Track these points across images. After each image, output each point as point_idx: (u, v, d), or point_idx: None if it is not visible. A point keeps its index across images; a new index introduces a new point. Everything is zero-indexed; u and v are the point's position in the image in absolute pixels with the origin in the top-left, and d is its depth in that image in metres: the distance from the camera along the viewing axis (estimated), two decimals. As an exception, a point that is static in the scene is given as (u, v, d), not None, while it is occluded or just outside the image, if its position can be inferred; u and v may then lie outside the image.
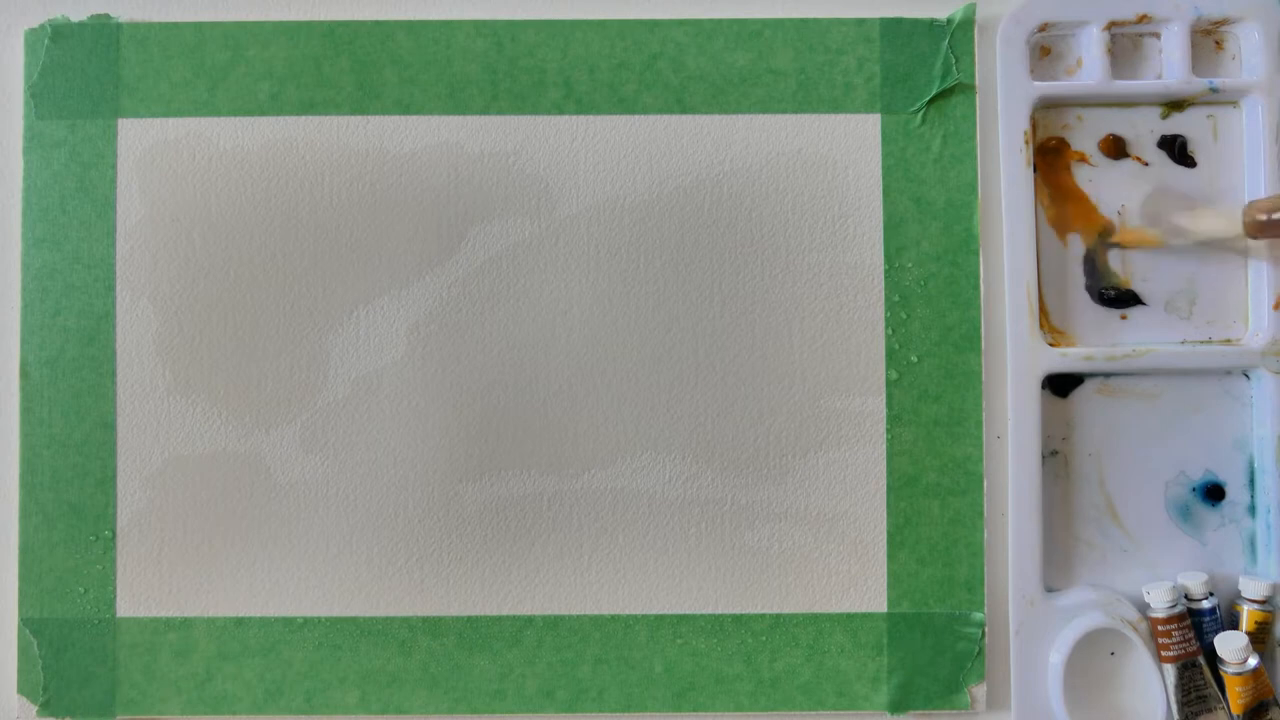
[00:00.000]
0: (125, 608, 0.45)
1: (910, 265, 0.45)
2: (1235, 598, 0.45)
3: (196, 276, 0.46)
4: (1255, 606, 0.44)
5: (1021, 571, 0.44)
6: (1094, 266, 0.45)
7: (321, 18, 0.46)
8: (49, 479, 0.45)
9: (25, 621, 0.45)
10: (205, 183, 0.46)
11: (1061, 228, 0.46)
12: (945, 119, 0.46)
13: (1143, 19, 0.45)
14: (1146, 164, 0.46)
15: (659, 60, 0.46)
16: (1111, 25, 0.45)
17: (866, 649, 0.45)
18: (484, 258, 0.46)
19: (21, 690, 0.45)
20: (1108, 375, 0.45)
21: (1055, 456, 0.45)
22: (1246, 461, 0.45)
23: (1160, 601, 0.43)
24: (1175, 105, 0.46)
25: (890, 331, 0.45)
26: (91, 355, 0.45)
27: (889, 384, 0.45)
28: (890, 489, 0.45)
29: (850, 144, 0.46)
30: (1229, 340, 0.46)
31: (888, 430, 0.45)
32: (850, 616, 0.45)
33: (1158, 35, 0.46)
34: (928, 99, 0.46)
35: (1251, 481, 0.45)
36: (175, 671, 0.45)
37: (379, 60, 0.46)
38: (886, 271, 0.46)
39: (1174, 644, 0.43)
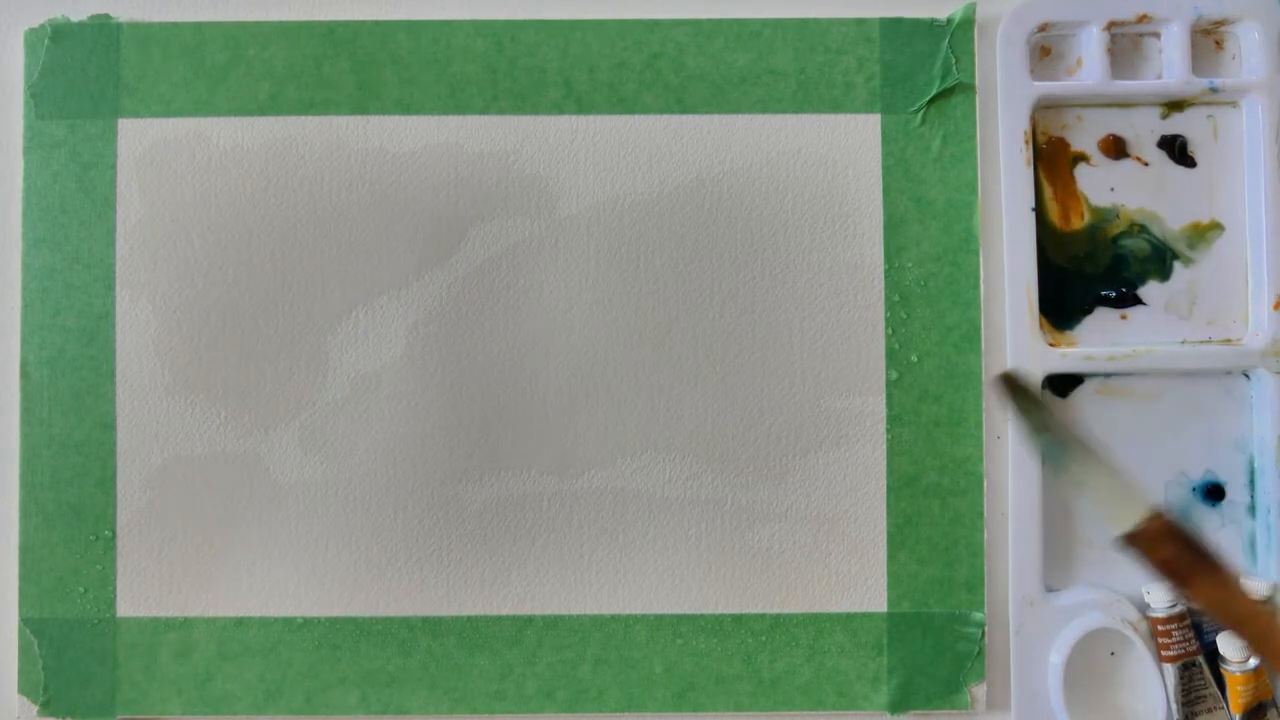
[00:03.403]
0: (125, 608, 0.45)
1: (910, 265, 0.45)
2: (1235, 598, 0.45)
3: (196, 276, 0.46)
4: (1255, 606, 0.44)
5: (1021, 571, 0.44)
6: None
7: (321, 18, 0.46)
8: (49, 479, 0.45)
9: (25, 621, 0.45)
10: (205, 183, 0.46)
11: (1062, 228, 0.46)
12: (945, 119, 0.46)
13: (1143, 19, 0.45)
14: (1146, 164, 0.46)
15: (659, 60, 0.46)
16: (1111, 25, 0.45)
17: (866, 649, 0.45)
18: (484, 258, 0.46)
19: (22, 690, 0.45)
20: (1108, 375, 0.45)
21: (1055, 456, 0.45)
22: (1246, 462, 0.45)
23: (1160, 601, 0.43)
24: (1175, 105, 0.46)
25: (890, 331, 0.45)
26: (91, 355, 0.45)
27: (889, 384, 0.45)
28: (890, 489, 0.45)
29: (850, 144, 0.46)
30: (1229, 340, 0.46)
31: (888, 430, 0.45)
32: (850, 616, 0.45)
33: (1158, 35, 0.46)
34: (928, 99, 0.46)
35: (1251, 482, 0.45)
36: (175, 671, 0.45)
37: (379, 60, 0.46)
38: (886, 271, 0.46)
39: (1174, 644, 0.43)
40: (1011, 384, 0.33)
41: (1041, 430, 0.32)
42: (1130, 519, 0.31)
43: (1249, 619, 0.29)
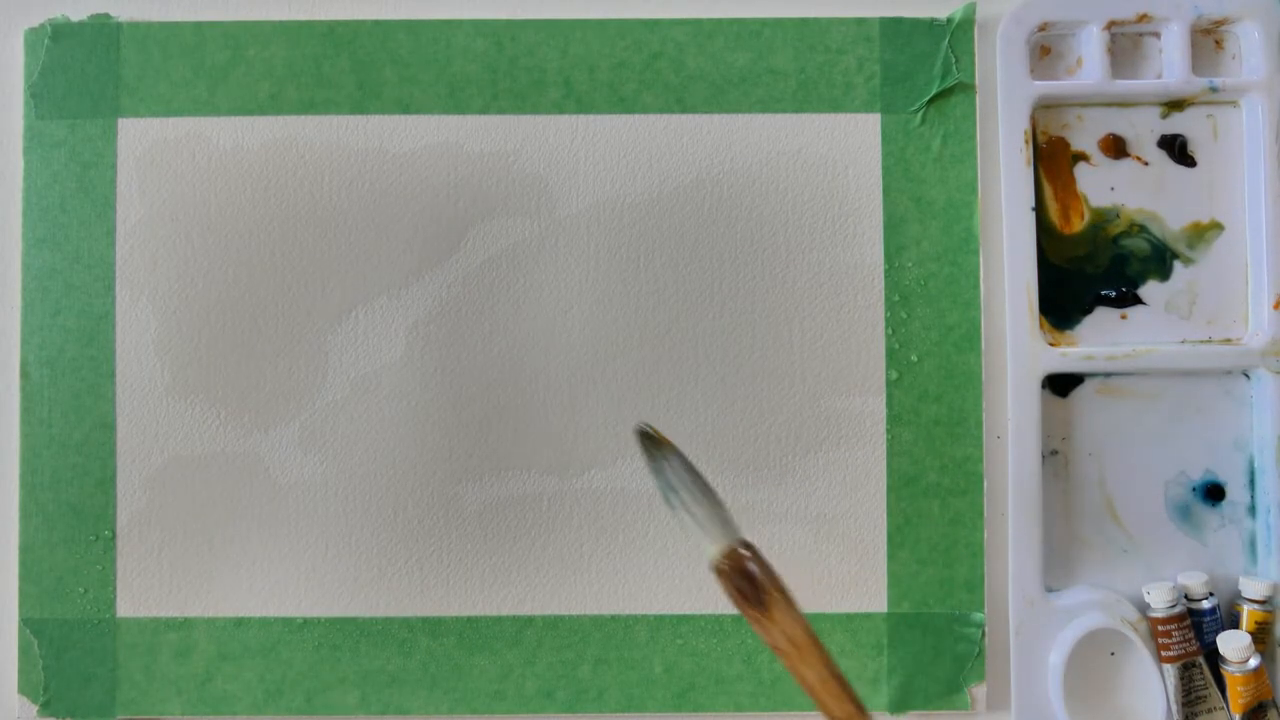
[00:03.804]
0: (125, 608, 0.45)
1: (910, 265, 0.45)
2: (1235, 598, 0.44)
3: (196, 276, 0.46)
4: (1255, 607, 0.44)
5: (1021, 571, 0.44)
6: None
7: (321, 18, 0.46)
8: (49, 479, 0.45)
9: (26, 621, 0.45)
10: (205, 183, 0.46)
11: (1062, 227, 0.46)
12: (945, 119, 0.46)
13: (1143, 18, 0.45)
14: (1146, 164, 0.46)
15: (659, 60, 0.46)
16: (1111, 25, 0.45)
17: (866, 649, 0.45)
18: (484, 258, 0.46)
19: (22, 690, 0.45)
20: (1108, 375, 0.45)
21: (1055, 456, 0.45)
22: (1246, 461, 0.45)
23: (1160, 601, 0.43)
24: (1175, 105, 0.46)
25: (890, 331, 0.45)
26: (91, 355, 0.45)
27: (889, 384, 0.45)
28: (890, 489, 0.45)
29: (850, 144, 0.46)
30: (1229, 340, 0.46)
31: (888, 430, 0.45)
32: (850, 616, 0.45)
33: (1158, 35, 0.46)
34: (928, 99, 0.46)
35: (1251, 481, 0.45)
36: (175, 671, 0.45)
37: (379, 60, 0.46)
38: (886, 271, 0.45)
39: (1174, 644, 0.43)
40: (643, 435, 0.39)
41: (658, 473, 0.38)
42: (715, 550, 0.36)
43: (798, 655, 0.34)
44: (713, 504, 0.37)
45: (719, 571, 0.36)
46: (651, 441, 0.38)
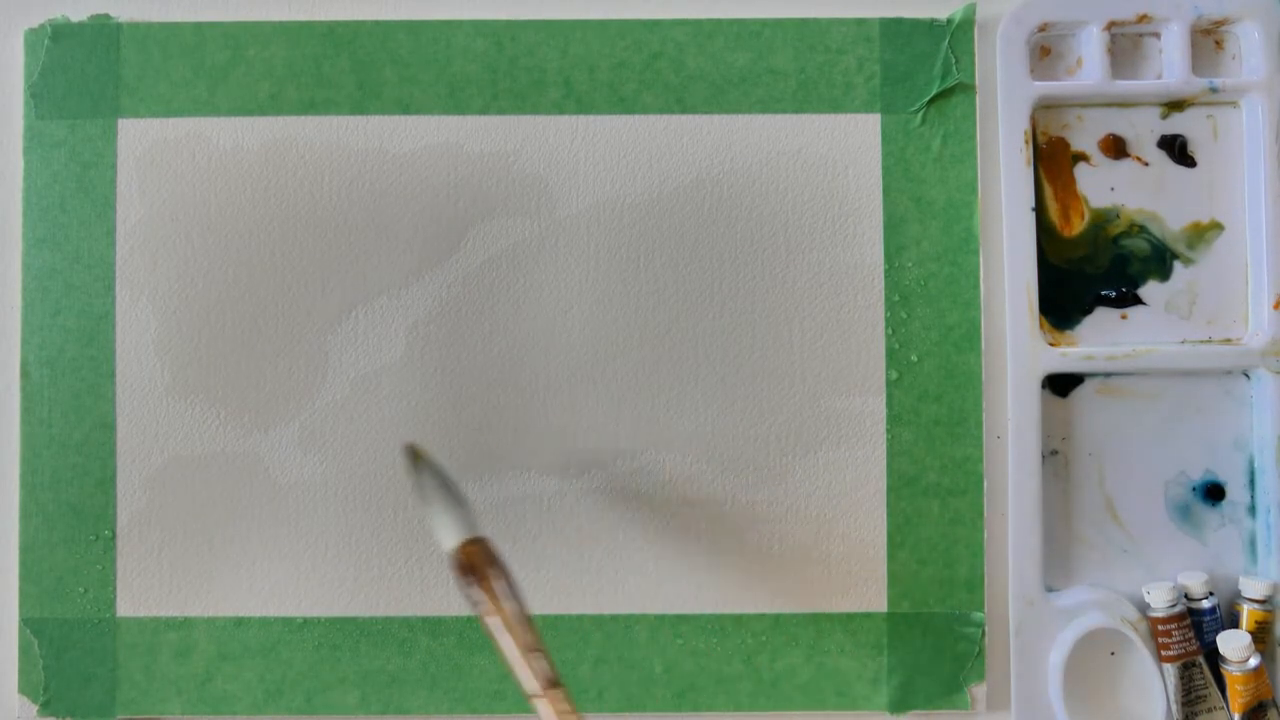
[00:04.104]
0: (125, 608, 0.45)
1: (910, 265, 0.45)
2: (1235, 598, 0.45)
3: (196, 276, 0.46)
4: (1255, 606, 0.44)
5: (1021, 571, 0.44)
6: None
7: (321, 18, 0.46)
8: (49, 479, 0.45)
9: (26, 621, 0.45)
10: (205, 183, 0.46)
11: (1062, 228, 0.46)
12: (945, 119, 0.46)
13: (1143, 19, 0.45)
14: (1147, 164, 0.46)
15: (659, 60, 0.46)
16: (1111, 25, 0.45)
17: (866, 649, 0.45)
18: (484, 258, 0.46)
19: (22, 690, 0.45)
20: (1108, 375, 0.45)
21: (1055, 456, 0.45)
22: (1246, 461, 0.45)
23: (1160, 601, 0.43)
24: (1175, 105, 0.46)
25: (890, 331, 0.45)
26: (91, 355, 0.45)
27: (889, 384, 0.45)
28: (890, 489, 0.45)
29: (850, 144, 0.46)
30: (1229, 340, 0.46)
31: (888, 430, 0.45)
32: (850, 616, 0.45)
33: (1158, 35, 0.46)
34: (928, 99, 0.46)
35: (1251, 481, 0.45)
36: (175, 671, 0.45)
37: (379, 60, 0.46)
38: (886, 271, 0.46)
39: (1174, 644, 0.43)
40: (408, 449, 0.43)
41: (417, 481, 0.42)
42: (451, 542, 0.39)
43: (506, 631, 0.37)
44: (457, 505, 0.40)
45: (451, 560, 0.39)
46: (413, 455, 0.42)
